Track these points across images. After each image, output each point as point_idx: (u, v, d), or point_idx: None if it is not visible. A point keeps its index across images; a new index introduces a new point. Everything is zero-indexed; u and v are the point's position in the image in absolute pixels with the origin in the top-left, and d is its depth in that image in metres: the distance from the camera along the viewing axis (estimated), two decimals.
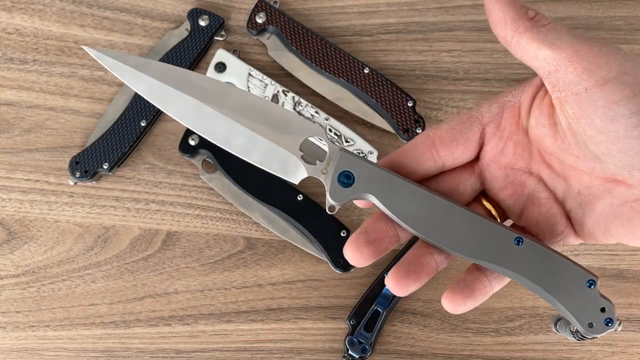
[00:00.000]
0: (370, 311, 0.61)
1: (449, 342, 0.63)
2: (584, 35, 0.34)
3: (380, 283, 0.62)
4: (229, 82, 0.65)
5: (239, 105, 0.37)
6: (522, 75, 0.67)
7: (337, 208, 0.36)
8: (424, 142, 0.37)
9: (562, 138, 0.35)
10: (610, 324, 0.34)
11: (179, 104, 0.37)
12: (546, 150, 0.37)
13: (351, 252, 0.36)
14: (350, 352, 0.61)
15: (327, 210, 0.36)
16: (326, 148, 0.37)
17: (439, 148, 0.37)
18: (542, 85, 0.37)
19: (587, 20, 0.68)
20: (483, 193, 0.39)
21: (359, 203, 0.37)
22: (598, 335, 0.35)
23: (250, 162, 0.37)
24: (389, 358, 0.63)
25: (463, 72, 0.67)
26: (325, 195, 0.36)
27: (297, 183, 0.37)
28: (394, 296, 0.61)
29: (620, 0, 0.68)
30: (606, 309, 0.34)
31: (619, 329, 0.35)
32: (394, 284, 0.36)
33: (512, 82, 0.66)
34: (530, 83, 0.37)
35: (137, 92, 0.38)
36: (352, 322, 0.61)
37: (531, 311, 0.63)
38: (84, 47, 0.40)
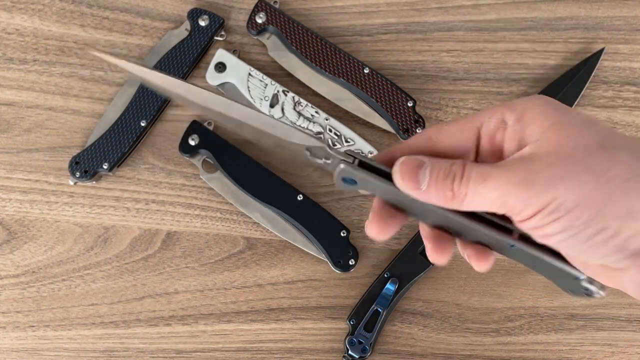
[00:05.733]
0: (370, 311, 0.61)
1: (449, 342, 0.63)
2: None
3: (380, 283, 0.62)
4: (228, 82, 0.65)
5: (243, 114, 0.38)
6: (522, 75, 0.67)
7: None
8: (425, 144, 0.37)
9: None
10: (588, 292, 0.36)
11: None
12: None
13: (377, 225, 0.36)
14: (350, 352, 0.61)
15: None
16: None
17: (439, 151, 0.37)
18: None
19: (587, 20, 0.67)
20: None
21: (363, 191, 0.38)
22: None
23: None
24: (389, 358, 0.63)
25: (463, 72, 0.67)
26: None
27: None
28: (394, 296, 0.61)
29: (620, 0, 0.68)
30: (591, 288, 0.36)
31: (603, 293, 0.36)
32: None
33: (512, 82, 0.66)
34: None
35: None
36: (352, 322, 0.61)
37: (531, 311, 0.63)
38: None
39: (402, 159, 0.35)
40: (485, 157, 0.36)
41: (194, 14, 0.66)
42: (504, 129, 0.34)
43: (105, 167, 0.63)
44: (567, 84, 0.65)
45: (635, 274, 0.32)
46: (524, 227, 0.32)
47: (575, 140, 0.32)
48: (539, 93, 0.65)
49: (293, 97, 0.64)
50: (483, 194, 0.32)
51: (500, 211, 0.32)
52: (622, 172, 0.30)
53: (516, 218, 0.32)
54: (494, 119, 0.35)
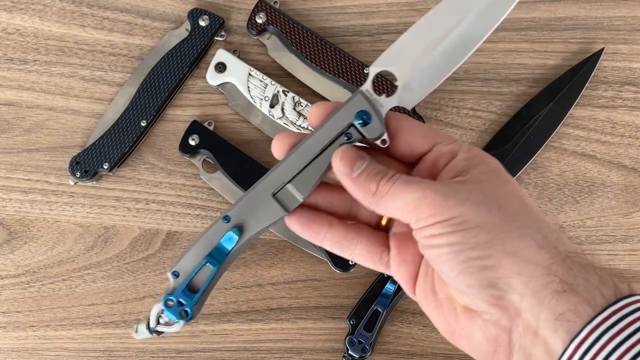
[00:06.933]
0: (370, 311, 0.61)
1: (449, 341, 0.63)
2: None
3: (380, 283, 0.62)
4: (228, 82, 0.65)
5: None
6: (522, 76, 0.67)
7: None
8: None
9: None
10: None
11: None
12: None
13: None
14: (350, 352, 0.61)
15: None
16: None
17: None
18: None
19: (587, 20, 0.68)
20: None
21: None
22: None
23: None
24: (389, 358, 0.63)
25: (463, 72, 0.67)
26: None
27: None
28: (394, 296, 0.61)
29: (620, 0, 0.68)
30: None
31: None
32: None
33: (511, 82, 0.66)
34: None
35: None
36: (352, 322, 0.61)
37: None
38: None
39: (347, 146, 0.38)
40: (422, 169, 0.38)
41: (194, 14, 0.66)
42: (451, 159, 0.37)
43: (105, 167, 0.63)
44: (566, 84, 0.65)
45: (485, 323, 0.34)
46: (420, 234, 0.35)
47: (502, 190, 0.35)
48: (539, 93, 0.65)
49: (293, 97, 0.64)
50: (401, 196, 0.35)
51: (406, 217, 0.35)
52: (526, 223, 0.34)
53: (417, 224, 0.35)
54: (450, 146, 0.38)
